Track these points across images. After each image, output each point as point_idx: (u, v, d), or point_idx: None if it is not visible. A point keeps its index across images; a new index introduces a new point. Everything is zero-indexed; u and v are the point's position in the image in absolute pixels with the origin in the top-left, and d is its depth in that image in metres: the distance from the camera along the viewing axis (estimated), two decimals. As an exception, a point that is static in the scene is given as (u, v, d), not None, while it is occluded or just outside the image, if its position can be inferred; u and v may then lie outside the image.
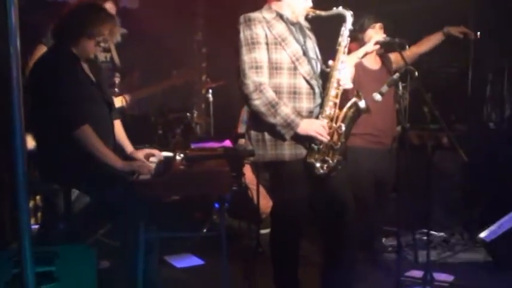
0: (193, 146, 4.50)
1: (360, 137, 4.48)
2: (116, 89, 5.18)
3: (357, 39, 4.57)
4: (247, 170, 5.49)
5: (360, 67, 4.52)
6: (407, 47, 4.06)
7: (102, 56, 6.59)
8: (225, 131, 6.07)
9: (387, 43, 4.27)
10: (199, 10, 7.76)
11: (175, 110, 5.93)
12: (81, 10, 3.63)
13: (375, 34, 4.51)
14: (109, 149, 3.47)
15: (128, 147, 3.89)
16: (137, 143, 4.69)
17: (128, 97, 5.03)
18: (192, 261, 5.04)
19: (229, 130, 5.98)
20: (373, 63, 4.72)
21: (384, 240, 5.20)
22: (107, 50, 6.64)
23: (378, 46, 4.35)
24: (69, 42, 3.58)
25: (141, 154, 3.80)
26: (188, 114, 5.88)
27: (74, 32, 3.57)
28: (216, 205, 5.67)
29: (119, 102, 4.96)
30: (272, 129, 3.58)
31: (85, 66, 3.70)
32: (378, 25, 4.59)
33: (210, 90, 6.46)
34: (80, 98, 3.48)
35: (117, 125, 3.90)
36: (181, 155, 3.62)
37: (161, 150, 4.18)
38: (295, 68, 3.59)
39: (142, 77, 5.74)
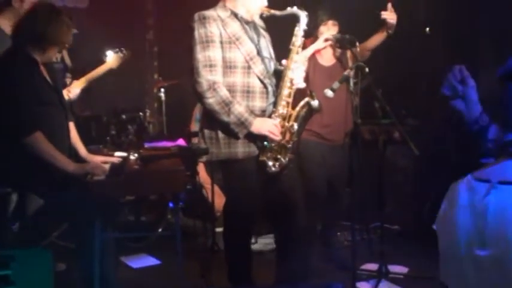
0: (146, 145, 4.49)
1: (306, 132, 4.50)
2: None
3: (311, 35, 4.61)
4: (201, 169, 5.50)
5: (312, 63, 4.56)
6: (357, 43, 4.10)
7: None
8: (178, 130, 6.05)
9: (337, 40, 4.32)
10: (150, 8, 7.72)
11: (128, 110, 5.88)
12: (45, 17, 3.55)
13: (327, 31, 4.54)
14: (61, 153, 3.43)
15: (81, 149, 3.85)
16: (90, 144, 4.65)
17: (71, 89, 4.94)
18: (148, 261, 5.02)
19: (182, 129, 5.96)
20: (327, 59, 4.74)
21: (338, 234, 5.27)
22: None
23: (328, 43, 4.40)
24: (29, 46, 3.53)
25: (95, 159, 3.76)
26: (141, 113, 5.84)
27: (40, 39, 3.52)
28: (171, 204, 5.67)
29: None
30: (225, 127, 3.60)
31: (42, 69, 3.65)
32: (331, 22, 4.60)
33: (162, 89, 6.43)
34: (34, 103, 3.44)
35: (71, 127, 3.86)
36: (135, 155, 3.61)
37: (115, 150, 4.16)
38: (249, 67, 3.62)
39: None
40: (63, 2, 6.70)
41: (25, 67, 3.49)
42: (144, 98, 7.45)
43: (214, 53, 3.56)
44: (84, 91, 5.25)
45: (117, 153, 3.98)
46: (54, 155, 3.37)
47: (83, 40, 6.70)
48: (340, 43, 4.42)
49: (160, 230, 5.45)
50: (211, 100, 3.55)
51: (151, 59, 7.73)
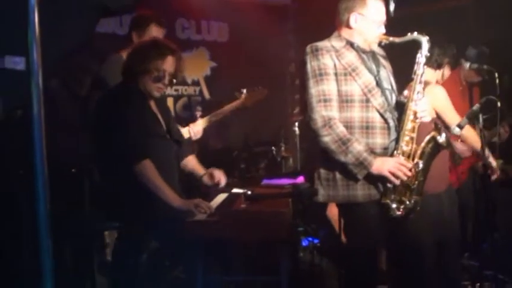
0: (264, 182, 4.31)
1: None
2: (198, 123, 5.09)
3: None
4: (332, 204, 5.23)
5: None
6: (496, 74, 3.72)
7: (191, 89, 6.62)
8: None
9: (475, 70, 3.96)
10: (292, 41, 7.62)
11: (261, 144, 5.77)
12: (138, 48, 3.60)
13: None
14: (169, 187, 3.35)
15: (201, 171, 3.82)
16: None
17: (194, 128, 4.86)
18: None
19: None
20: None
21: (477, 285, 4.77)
22: (196, 84, 6.66)
23: None
24: (133, 81, 3.52)
25: (216, 173, 3.75)
26: (273, 148, 5.70)
27: (133, 70, 3.51)
28: (304, 243, 5.47)
29: (185, 133, 4.82)
30: (343, 168, 3.31)
31: (152, 104, 3.63)
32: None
33: (296, 123, 6.24)
34: (144, 134, 3.42)
35: (192, 159, 3.86)
36: (249, 193, 3.46)
37: (238, 185, 4.04)
38: (367, 100, 3.33)
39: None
40: (202, 35, 6.77)
41: (134, 99, 3.49)
42: (281, 132, 7.31)
43: (329, 87, 3.31)
44: (222, 125, 5.20)
45: (235, 190, 3.85)
46: (161, 187, 3.30)
47: (223, 73, 6.78)
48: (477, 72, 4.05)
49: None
50: (327, 138, 3.29)
51: (293, 93, 7.60)
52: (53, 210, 2.03)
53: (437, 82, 4.22)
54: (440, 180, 4.14)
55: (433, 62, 4.16)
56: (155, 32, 4.41)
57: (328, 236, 5.37)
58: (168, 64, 3.50)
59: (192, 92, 6.62)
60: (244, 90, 5.17)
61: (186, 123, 4.93)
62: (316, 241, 5.61)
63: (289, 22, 7.62)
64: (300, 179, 4.28)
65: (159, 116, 3.63)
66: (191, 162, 3.84)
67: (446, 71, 4.31)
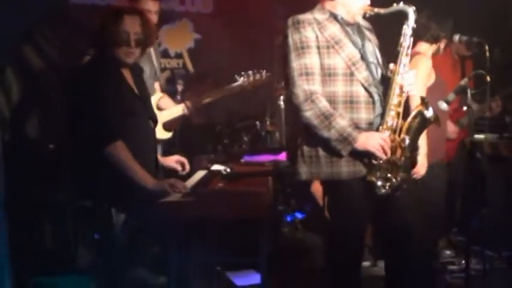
0: (245, 158, 4.18)
1: None
2: (178, 97, 4.95)
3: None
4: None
5: None
6: (486, 47, 3.60)
7: (174, 63, 6.46)
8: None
9: (463, 42, 3.86)
10: (279, 12, 7.42)
11: (244, 118, 5.62)
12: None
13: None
14: (145, 167, 3.24)
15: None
16: (200, 153, 4.41)
17: (190, 103, 4.71)
18: (252, 279, 4.68)
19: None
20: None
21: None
22: (179, 57, 6.50)
23: None
24: (101, 52, 3.39)
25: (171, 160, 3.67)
26: (257, 122, 5.56)
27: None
28: (289, 218, 5.37)
29: (179, 110, 4.68)
30: (327, 144, 3.19)
31: (128, 77, 3.46)
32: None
33: (282, 97, 6.08)
34: (116, 112, 3.28)
35: None
36: (228, 170, 3.34)
37: (217, 162, 3.92)
38: (351, 74, 3.19)
39: (216, 83, 5.45)
40: (185, 7, 6.57)
41: (107, 73, 3.33)
42: (267, 106, 7.16)
43: (311, 60, 3.19)
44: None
45: (215, 167, 3.73)
46: (134, 169, 3.18)
47: (207, 45, 6.61)
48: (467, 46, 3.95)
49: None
50: (308, 113, 3.16)
51: (280, 66, 7.41)
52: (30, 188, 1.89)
53: (433, 56, 4.15)
54: (434, 151, 4.08)
55: (429, 37, 4.14)
56: (149, 3, 4.29)
57: (312, 212, 5.29)
58: (127, 24, 3.32)
59: (175, 65, 6.44)
60: (250, 72, 5.02)
61: (181, 100, 4.81)
62: (300, 216, 5.52)
63: (276, -8, 7.41)
64: (282, 156, 4.16)
65: (136, 91, 3.47)
66: None
67: (443, 45, 4.24)
